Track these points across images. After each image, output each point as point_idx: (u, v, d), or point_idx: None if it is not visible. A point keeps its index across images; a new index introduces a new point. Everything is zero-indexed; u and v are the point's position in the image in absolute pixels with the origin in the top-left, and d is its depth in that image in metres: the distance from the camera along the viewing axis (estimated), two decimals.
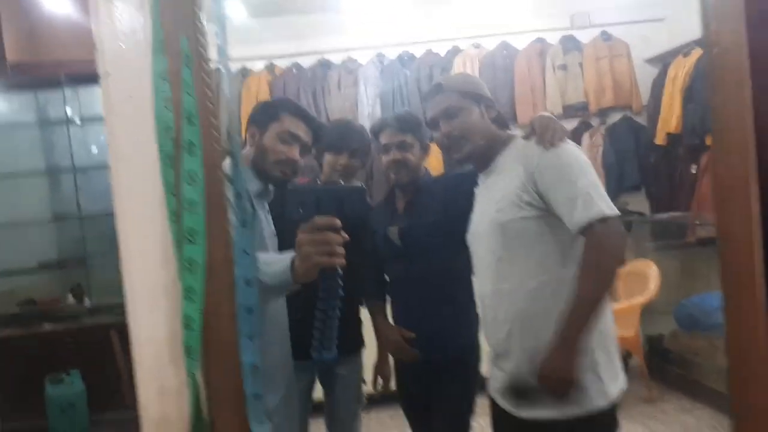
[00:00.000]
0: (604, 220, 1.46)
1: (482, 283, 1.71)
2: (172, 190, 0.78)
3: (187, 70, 0.76)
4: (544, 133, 1.57)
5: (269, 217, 1.76)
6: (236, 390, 0.84)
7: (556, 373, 1.47)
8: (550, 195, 1.52)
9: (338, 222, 1.04)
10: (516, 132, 1.74)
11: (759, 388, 0.81)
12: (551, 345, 1.49)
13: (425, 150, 2.08)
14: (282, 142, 1.70)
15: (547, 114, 1.68)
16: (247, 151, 1.77)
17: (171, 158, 0.77)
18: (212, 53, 0.83)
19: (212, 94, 0.78)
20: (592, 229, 1.46)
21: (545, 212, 1.54)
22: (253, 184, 1.70)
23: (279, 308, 1.71)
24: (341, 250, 1.05)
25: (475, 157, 1.71)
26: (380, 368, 2.28)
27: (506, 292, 1.60)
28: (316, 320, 1.10)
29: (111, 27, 0.78)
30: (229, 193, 0.81)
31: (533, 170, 1.54)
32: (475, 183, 1.79)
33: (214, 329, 0.80)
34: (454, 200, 1.93)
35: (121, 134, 0.79)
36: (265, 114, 1.75)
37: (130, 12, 0.78)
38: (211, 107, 0.77)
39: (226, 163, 0.88)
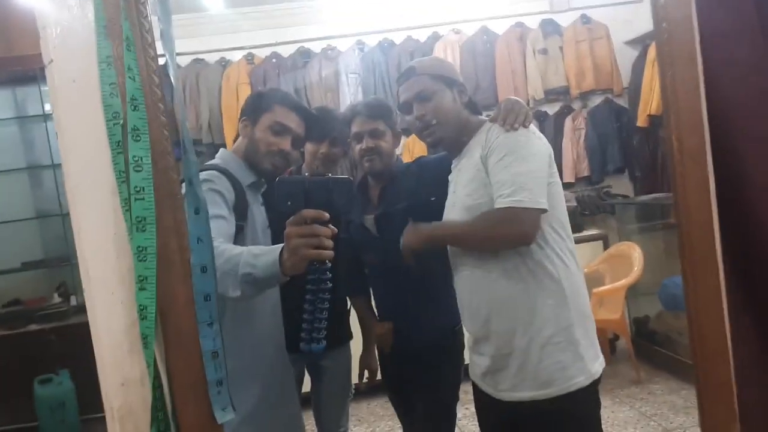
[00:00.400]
0: (514, 210, 1.47)
1: (456, 270, 1.71)
2: (123, 178, 0.77)
3: (130, 55, 0.74)
4: (506, 116, 1.56)
5: (263, 209, 1.75)
6: (199, 377, 0.84)
7: (406, 236, 1.70)
8: (490, 175, 1.53)
9: (327, 215, 1.04)
10: (486, 117, 1.73)
11: (719, 362, 0.81)
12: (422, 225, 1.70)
13: (397, 137, 2.07)
14: (274, 133, 1.68)
15: (515, 98, 1.67)
16: (240, 142, 1.75)
17: (120, 145, 0.76)
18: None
19: (158, 80, 0.76)
20: (501, 210, 1.49)
21: None
22: (245, 176, 1.68)
23: (273, 302, 1.71)
24: (329, 243, 1.04)
25: (448, 140, 1.71)
26: (366, 361, 2.28)
27: (481, 276, 1.61)
28: (305, 312, 1.10)
29: (55, 13, 0.76)
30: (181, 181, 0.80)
31: (485, 151, 1.55)
32: (448, 169, 1.79)
33: (171, 317, 0.79)
34: (427, 186, 1.92)
35: (70, 122, 0.77)
36: (257, 105, 1.73)
37: None
38: (157, 92, 0.76)
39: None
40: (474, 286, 1.64)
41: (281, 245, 1.11)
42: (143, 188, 0.75)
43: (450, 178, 1.77)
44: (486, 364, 1.64)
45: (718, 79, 1.01)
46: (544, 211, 1.50)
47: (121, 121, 0.75)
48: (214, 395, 0.82)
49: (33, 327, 3.98)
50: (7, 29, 4.07)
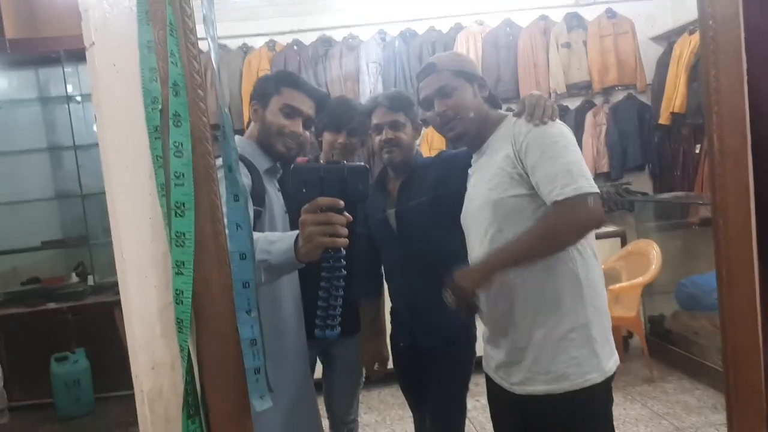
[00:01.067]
0: (580, 195, 1.45)
1: (476, 261, 1.70)
2: (160, 163, 0.77)
3: (172, 40, 0.74)
4: (533, 111, 1.56)
5: (279, 194, 1.75)
6: (230, 363, 0.84)
7: (462, 284, 1.52)
8: (533, 171, 1.52)
9: (341, 203, 1.04)
10: (508, 112, 1.72)
11: (750, 364, 0.81)
12: (474, 262, 1.59)
13: (418, 130, 2.05)
14: (284, 116, 1.69)
15: (537, 92, 1.67)
16: (252, 127, 1.76)
17: (158, 130, 0.76)
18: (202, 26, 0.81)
19: (198, 66, 0.76)
20: (566, 201, 1.46)
21: (534, 190, 1.54)
22: (261, 161, 1.69)
23: (294, 290, 1.72)
24: (344, 230, 1.05)
25: (469, 135, 1.70)
26: (377, 350, 2.29)
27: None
28: (320, 299, 1.10)
29: None
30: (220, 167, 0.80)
31: (520, 147, 1.54)
32: (468, 163, 1.78)
33: (204, 303, 0.79)
34: (447, 180, 1.91)
35: (109, 106, 0.78)
36: (266, 88, 1.73)
37: None
38: (197, 79, 0.76)
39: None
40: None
41: (296, 232, 1.11)
42: (183, 174, 0.76)
43: (470, 172, 1.77)
44: (501, 358, 1.65)
45: (760, 78, 0.99)
46: (600, 194, 1.51)
47: (160, 107, 0.75)
48: (252, 383, 0.83)
49: (51, 305, 4.03)
50: (33, 12, 4.12)
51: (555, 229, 1.49)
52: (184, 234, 0.76)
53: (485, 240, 1.63)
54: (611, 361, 1.59)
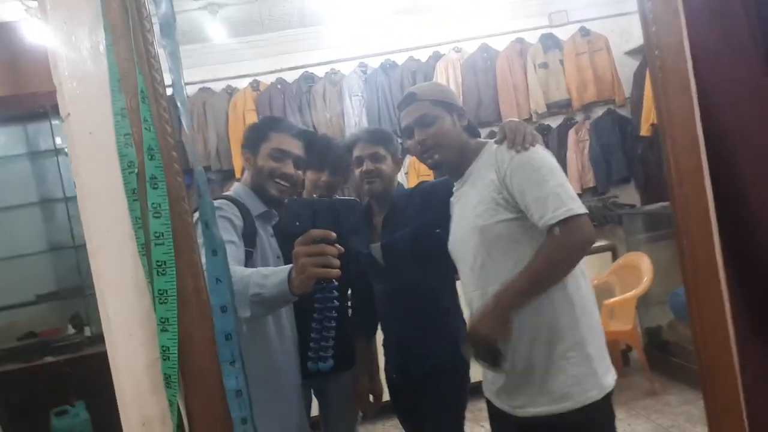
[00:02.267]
0: (573, 218, 1.50)
1: (468, 289, 1.73)
2: (140, 224, 0.80)
3: (144, 107, 0.78)
4: (514, 138, 1.61)
5: (273, 240, 1.78)
6: (219, 415, 0.86)
7: (481, 332, 1.53)
8: (521, 197, 1.56)
9: (333, 234, 1.07)
10: (487, 140, 1.77)
11: (726, 377, 0.83)
12: (485, 304, 1.56)
13: (398, 163, 2.11)
14: (274, 159, 1.76)
15: (516, 119, 1.72)
16: (246, 175, 1.82)
17: (136, 192, 0.79)
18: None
19: (171, 129, 0.80)
20: (561, 229, 1.50)
21: (521, 214, 1.58)
22: (255, 205, 1.73)
23: (288, 327, 1.74)
24: (336, 261, 1.08)
25: (448, 163, 1.75)
26: (370, 385, 2.30)
27: (492, 294, 1.63)
28: (313, 331, 1.13)
29: (70, 68, 0.80)
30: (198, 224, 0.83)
31: (504, 174, 1.59)
32: (449, 192, 1.82)
33: (190, 357, 0.81)
34: (429, 210, 1.95)
35: (87, 172, 0.81)
36: (254, 136, 1.80)
37: (87, 52, 0.80)
38: (171, 142, 0.79)
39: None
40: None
41: (290, 266, 1.14)
42: (162, 233, 0.78)
43: (452, 200, 1.81)
44: (501, 382, 1.66)
45: (713, 99, 1.03)
46: (589, 211, 1.55)
47: (136, 170, 0.78)
48: None
49: (48, 359, 4.00)
50: (19, 67, 4.17)
51: (558, 254, 1.52)
52: (166, 291, 0.79)
53: (476, 266, 1.66)
54: (609, 376, 1.61)
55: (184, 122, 0.80)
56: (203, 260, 0.83)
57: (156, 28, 0.79)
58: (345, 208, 1.09)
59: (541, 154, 1.60)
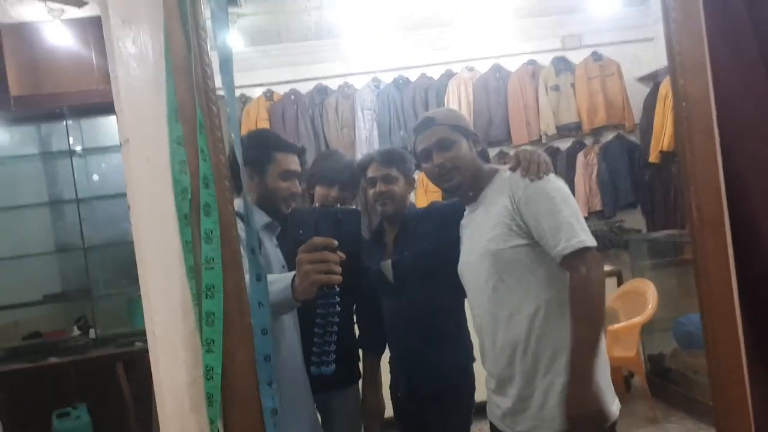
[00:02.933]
0: (585, 250, 1.54)
1: (479, 313, 1.76)
2: (190, 248, 0.83)
3: (202, 138, 0.82)
4: (528, 166, 1.65)
5: (278, 251, 1.83)
6: None
7: (584, 411, 1.52)
8: (535, 225, 1.60)
9: (335, 242, 1.11)
10: (500, 166, 1.81)
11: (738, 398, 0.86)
12: (568, 387, 1.54)
13: (410, 183, 2.14)
14: (284, 180, 1.83)
15: (531, 148, 1.76)
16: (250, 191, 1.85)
17: (188, 218, 0.83)
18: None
19: (225, 159, 0.84)
20: (575, 261, 1.54)
21: (533, 240, 1.62)
22: (258, 217, 1.77)
23: (295, 339, 1.77)
24: (338, 268, 1.12)
25: (464, 187, 1.79)
26: (366, 405, 2.31)
27: (503, 318, 1.66)
28: (315, 336, 1.16)
29: (131, 97, 0.84)
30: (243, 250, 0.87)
31: (518, 202, 1.63)
32: (460, 215, 1.86)
33: (231, 377, 0.85)
34: (440, 230, 1.98)
35: (141, 195, 0.85)
36: (257, 156, 1.84)
37: (148, 83, 0.84)
38: (224, 172, 0.83)
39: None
40: (496, 330, 1.69)
41: (293, 273, 1.18)
42: (213, 258, 0.82)
43: (463, 223, 1.84)
44: (507, 405, 1.68)
45: (733, 142, 1.07)
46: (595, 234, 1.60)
47: (189, 196, 0.82)
48: None
49: (53, 360, 4.00)
50: (38, 68, 4.22)
51: (591, 295, 1.54)
52: (213, 314, 0.82)
53: (487, 290, 1.69)
54: (614, 405, 1.63)
55: (238, 154, 0.84)
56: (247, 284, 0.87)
57: (215, 62, 0.83)
58: (346, 217, 1.14)
59: (555, 183, 1.64)
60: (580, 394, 1.52)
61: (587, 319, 1.54)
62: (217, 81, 0.89)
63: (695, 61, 0.87)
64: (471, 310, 1.83)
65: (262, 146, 1.88)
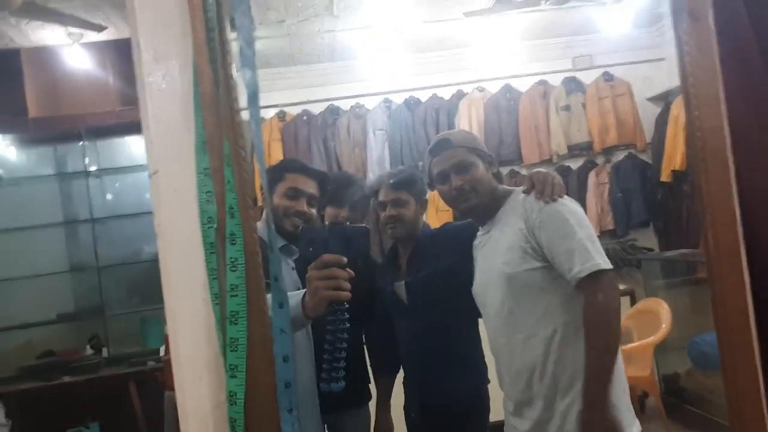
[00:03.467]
0: (600, 273, 1.53)
1: (495, 336, 1.76)
2: (215, 275, 0.86)
3: (228, 169, 0.85)
4: (543, 189, 1.66)
5: (294, 272, 1.85)
6: None
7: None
8: (550, 248, 1.60)
9: (344, 259, 1.14)
10: (513, 188, 1.82)
11: (756, 425, 0.87)
12: (583, 414, 1.53)
13: (422, 205, 2.15)
14: (289, 198, 1.85)
15: (543, 170, 1.77)
16: (264, 213, 1.89)
17: (213, 246, 0.86)
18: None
19: (251, 191, 0.87)
20: (590, 285, 1.53)
21: (548, 263, 1.62)
22: (276, 241, 1.79)
23: (305, 363, 1.79)
24: (347, 285, 1.14)
25: (480, 209, 1.79)
26: (382, 425, 2.32)
27: (520, 341, 1.66)
28: (325, 353, 1.18)
29: (158, 129, 0.87)
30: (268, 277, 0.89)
31: (533, 224, 1.63)
32: (473, 235, 1.87)
33: (253, 403, 0.87)
34: (454, 251, 1.99)
35: (169, 224, 0.87)
36: (270, 177, 1.89)
37: (176, 116, 0.87)
38: (249, 202, 0.86)
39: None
40: (513, 353, 1.69)
41: (304, 290, 1.20)
42: (237, 286, 0.85)
43: (476, 244, 1.85)
44: (525, 428, 1.67)
45: (746, 171, 1.08)
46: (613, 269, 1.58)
47: (215, 225, 0.85)
48: None
49: (66, 379, 4.03)
50: (54, 91, 4.32)
51: (606, 319, 1.52)
52: (237, 340, 0.84)
53: (503, 313, 1.69)
54: (633, 428, 1.60)
55: (264, 187, 0.87)
56: (270, 312, 0.89)
57: (242, 96, 0.87)
58: (355, 234, 1.16)
59: (570, 206, 1.64)
60: (592, 421, 1.51)
61: (601, 344, 1.52)
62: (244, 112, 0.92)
63: (709, 93, 0.89)
64: (487, 332, 1.83)
65: (278, 169, 1.94)
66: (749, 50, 1.08)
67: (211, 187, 0.85)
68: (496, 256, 1.71)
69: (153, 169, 0.86)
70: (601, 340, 1.53)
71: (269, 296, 0.91)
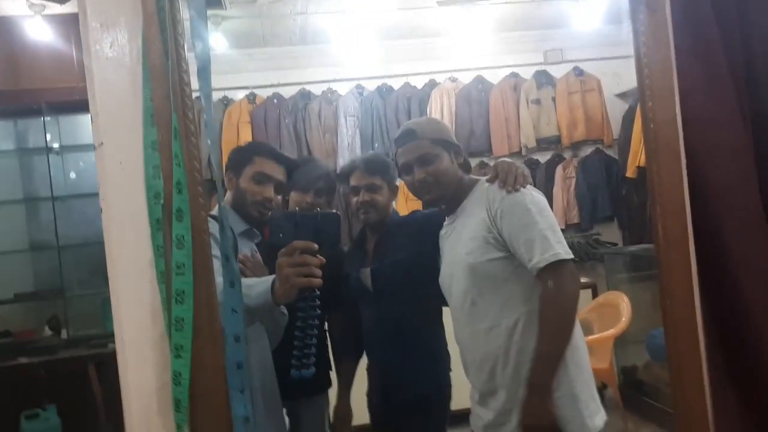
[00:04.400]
0: (560, 263, 1.54)
1: (459, 326, 1.76)
2: (161, 252, 0.83)
3: (176, 143, 0.82)
4: (506, 178, 1.65)
5: (258, 256, 1.82)
6: None
7: (539, 422, 1.53)
8: (511, 237, 1.60)
9: (315, 246, 1.12)
10: (479, 177, 1.81)
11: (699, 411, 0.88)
12: (525, 396, 1.55)
13: (394, 191, 2.13)
14: (257, 183, 1.80)
15: (509, 160, 1.77)
16: (228, 195, 1.85)
17: (160, 223, 0.83)
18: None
19: (199, 165, 0.84)
20: (549, 274, 1.54)
21: (510, 253, 1.62)
22: (236, 224, 1.76)
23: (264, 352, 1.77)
24: (318, 271, 1.12)
25: (445, 200, 1.78)
26: (341, 411, 2.32)
27: (483, 331, 1.66)
28: (296, 339, 1.17)
29: (106, 100, 0.84)
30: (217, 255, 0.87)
31: (494, 213, 1.63)
32: (440, 225, 1.86)
33: (200, 383, 0.85)
34: (420, 240, 1.98)
35: (114, 199, 0.85)
36: (239, 159, 1.84)
37: (123, 87, 0.84)
38: (198, 178, 0.83)
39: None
40: (476, 343, 1.69)
41: (273, 276, 1.18)
42: (184, 264, 0.82)
43: (442, 234, 1.85)
44: (489, 418, 1.68)
45: (699, 164, 1.10)
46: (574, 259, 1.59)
47: (162, 201, 0.83)
48: None
49: (22, 360, 3.93)
50: (16, 63, 4.17)
51: (561, 309, 1.55)
52: (183, 319, 0.82)
53: (466, 304, 1.69)
54: (597, 417, 1.62)
55: (213, 161, 0.85)
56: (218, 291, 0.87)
57: (192, 68, 0.84)
58: (326, 221, 1.15)
59: (532, 196, 1.64)
60: (535, 405, 1.53)
61: (553, 331, 1.54)
62: (194, 84, 0.89)
63: (663, 85, 0.89)
64: (452, 322, 1.82)
65: (245, 150, 1.89)
66: (713, 45, 1.09)
67: (159, 161, 0.82)
68: (459, 245, 1.71)
69: (98, 140, 0.83)
70: (555, 327, 1.54)
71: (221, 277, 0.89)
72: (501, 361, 1.63)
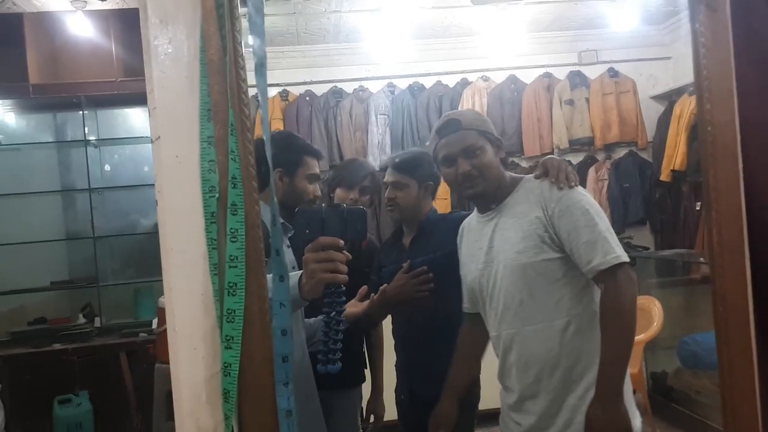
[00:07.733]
0: (620, 266, 1.50)
1: (502, 327, 1.69)
2: (214, 245, 0.85)
3: (233, 139, 0.83)
4: (558, 175, 1.61)
5: (289, 251, 1.85)
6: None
7: (618, 430, 1.48)
8: (570, 238, 1.55)
9: (341, 242, 1.13)
10: (522, 175, 1.76)
11: (749, 423, 0.87)
12: (595, 406, 1.50)
13: (427, 188, 2.12)
14: (310, 183, 1.94)
15: (557, 157, 1.73)
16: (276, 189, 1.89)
17: (214, 216, 0.85)
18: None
19: (253, 161, 0.86)
20: (609, 277, 1.50)
21: (565, 254, 1.57)
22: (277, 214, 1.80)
23: (300, 341, 1.79)
24: (344, 267, 1.13)
25: (486, 195, 1.71)
26: (373, 405, 2.33)
27: (531, 334, 1.61)
28: (321, 334, 1.18)
29: (165, 95, 0.86)
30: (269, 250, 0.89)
31: (551, 214, 1.58)
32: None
33: (248, 375, 0.86)
34: (454, 240, 1.98)
35: (170, 193, 0.87)
36: (289, 157, 1.91)
37: (181, 82, 0.86)
38: (252, 173, 0.85)
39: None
40: (524, 344, 1.63)
41: (300, 272, 1.20)
42: (237, 257, 0.84)
43: (482, 232, 1.82)
44: (530, 423, 1.63)
45: (757, 167, 1.08)
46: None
47: (217, 195, 0.84)
48: None
49: (57, 346, 4.03)
50: (58, 57, 4.27)
51: (621, 312, 1.49)
52: (234, 311, 0.84)
53: (513, 304, 1.63)
54: (636, 419, 1.56)
55: (268, 155, 0.86)
56: (269, 284, 0.89)
57: (249, 64, 0.85)
58: (352, 217, 1.15)
59: (588, 197, 1.60)
60: (609, 412, 1.47)
61: (620, 335, 1.49)
62: (250, 81, 0.91)
63: (722, 87, 0.88)
64: (488, 323, 1.75)
65: (294, 149, 1.96)
66: (766, 44, 1.07)
67: (215, 156, 0.84)
68: (506, 244, 1.64)
69: (155, 134, 0.85)
70: (619, 332, 1.49)
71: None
72: (550, 364, 1.58)
